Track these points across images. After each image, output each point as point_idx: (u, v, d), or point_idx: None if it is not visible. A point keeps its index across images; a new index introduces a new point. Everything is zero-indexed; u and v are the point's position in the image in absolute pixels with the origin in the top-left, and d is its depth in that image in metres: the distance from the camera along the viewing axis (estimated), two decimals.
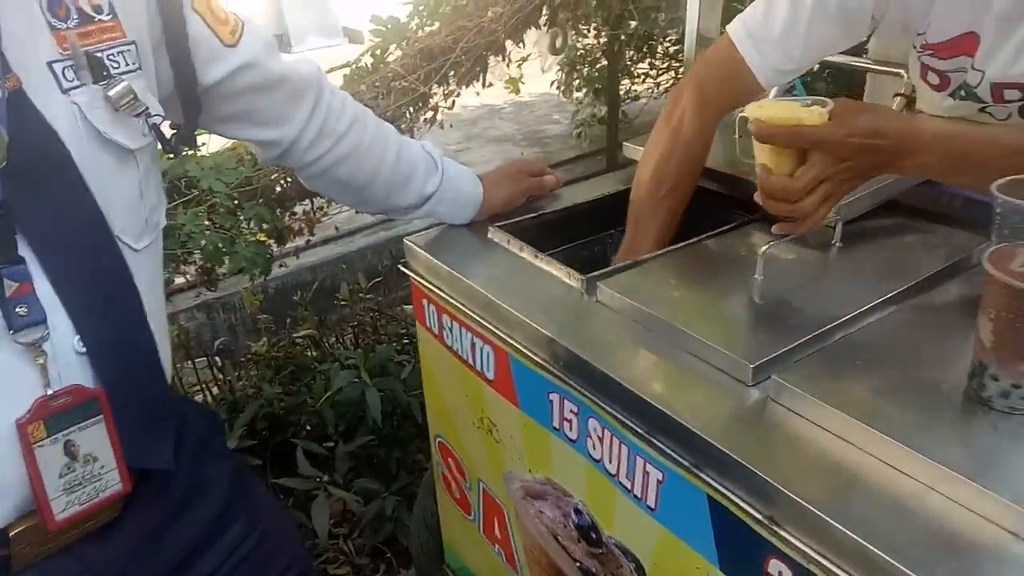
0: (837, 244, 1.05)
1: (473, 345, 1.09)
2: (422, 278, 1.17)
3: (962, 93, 1.19)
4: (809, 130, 0.87)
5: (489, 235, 1.18)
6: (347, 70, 2.30)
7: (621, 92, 3.45)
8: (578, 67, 3.71)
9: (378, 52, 2.29)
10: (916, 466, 0.68)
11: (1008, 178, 0.89)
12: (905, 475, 0.68)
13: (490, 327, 1.03)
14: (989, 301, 0.69)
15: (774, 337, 0.85)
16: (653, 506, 0.86)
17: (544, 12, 2.52)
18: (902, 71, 1.44)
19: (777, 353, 0.82)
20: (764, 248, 0.96)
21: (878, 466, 0.70)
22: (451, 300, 1.10)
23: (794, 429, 0.75)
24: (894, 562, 0.60)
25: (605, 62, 3.54)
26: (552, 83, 4.05)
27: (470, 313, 1.07)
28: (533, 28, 2.87)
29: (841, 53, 1.32)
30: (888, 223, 1.12)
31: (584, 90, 3.76)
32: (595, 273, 1.01)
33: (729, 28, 1.15)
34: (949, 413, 0.74)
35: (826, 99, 0.90)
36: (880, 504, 0.66)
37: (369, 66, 2.27)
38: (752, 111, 0.89)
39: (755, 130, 0.88)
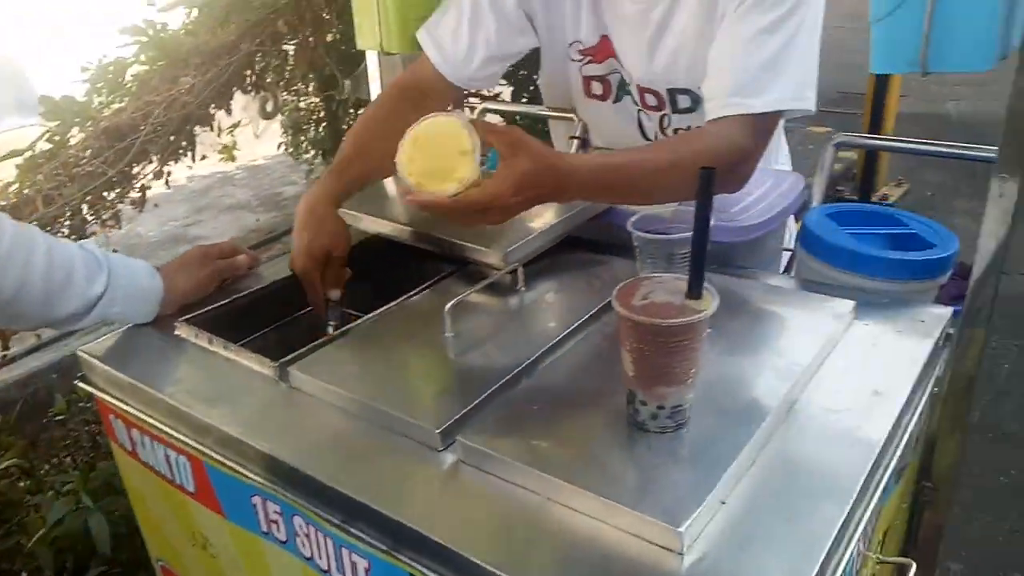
0: (521, 288, 1.10)
1: (168, 458, 1.00)
2: (104, 392, 1.06)
3: (621, 94, 1.34)
4: (470, 201, 0.90)
5: (176, 331, 1.10)
6: (19, 159, 2.06)
7: None
8: (303, 128, 3.65)
9: (56, 136, 2.08)
10: (589, 504, 0.72)
11: (641, 212, 0.99)
12: (583, 515, 0.72)
13: (181, 437, 0.95)
14: (623, 334, 0.75)
15: (462, 396, 0.87)
16: None
17: (249, 76, 2.46)
18: (573, 115, 1.58)
19: (462, 412, 0.83)
20: (449, 305, 0.98)
21: (560, 512, 0.73)
22: (138, 413, 1.01)
23: (483, 489, 0.77)
24: None
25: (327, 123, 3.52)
26: (279, 145, 3.95)
27: (159, 425, 0.98)
28: (241, 93, 2.79)
29: (522, 103, 1.45)
30: (568, 259, 1.20)
31: (311, 151, 3.71)
32: (287, 358, 0.97)
33: (418, 33, 1.34)
34: (617, 442, 0.79)
35: (496, 126, 0.95)
36: (559, 553, 0.69)
37: (47, 152, 2.06)
38: (411, 135, 0.92)
39: (420, 206, 0.92)
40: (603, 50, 1.30)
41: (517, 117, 3.08)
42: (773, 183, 1.27)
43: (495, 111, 2.07)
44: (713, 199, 0.74)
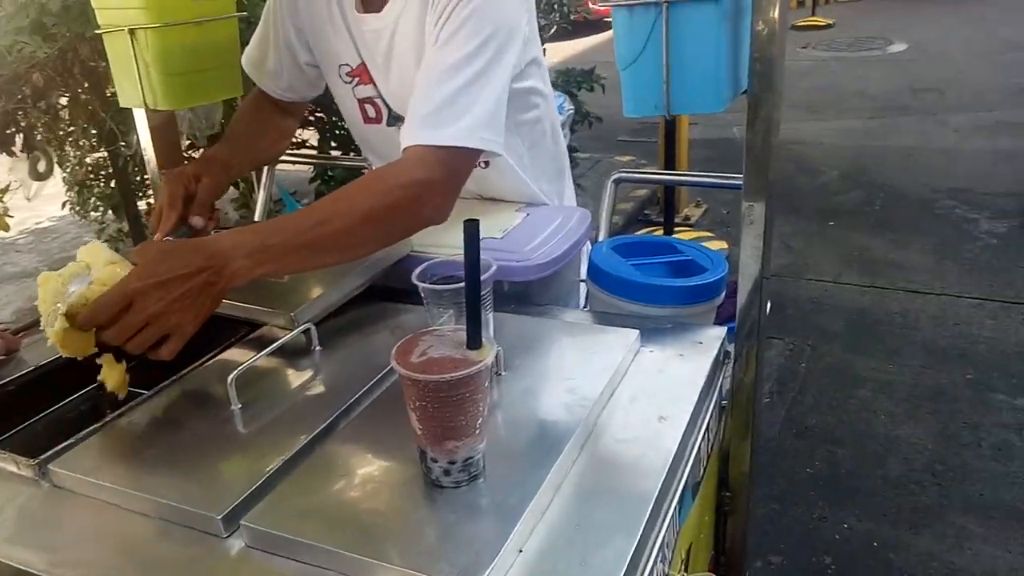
0: (315, 348, 1.06)
1: None
2: None
3: (392, 119, 1.35)
4: (100, 299, 0.89)
5: None
6: None
7: (145, 205, 3.24)
8: (89, 184, 3.38)
9: None
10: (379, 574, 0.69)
11: (427, 262, 0.98)
12: None
13: None
14: (406, 393, 0.74)
15: (247, 475, 0.81)
16: None
17: (12, 136, 2.23)
18: (362, 162, 1.56)
19: (247, 493, 0.78)
20: (233, 375, 0.93)
21: None
22: None
23: (276, 573, 0.72)
24: None
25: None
26: (64, 204, 3.64)
27: None
28: (6, 155, 2.53)
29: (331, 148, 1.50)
30: (369, 311, 1.18)
31: (101, 208, 3.45)
32: (47, 454, 0.87)
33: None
34: (413, 504, 0.77)
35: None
36: None
37: None
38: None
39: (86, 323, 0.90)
40: (365, 71, 1.32)
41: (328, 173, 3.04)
42: (562, 219, 1.32)
43: (288, 161, 2.02)
44: (478, 245, 0.74)
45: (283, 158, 1.84)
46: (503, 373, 0.98)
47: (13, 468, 0.88)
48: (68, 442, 0.89)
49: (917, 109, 6.12)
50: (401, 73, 1.26)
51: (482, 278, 0.90)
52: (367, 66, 1.32)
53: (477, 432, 0.76)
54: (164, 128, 1.50)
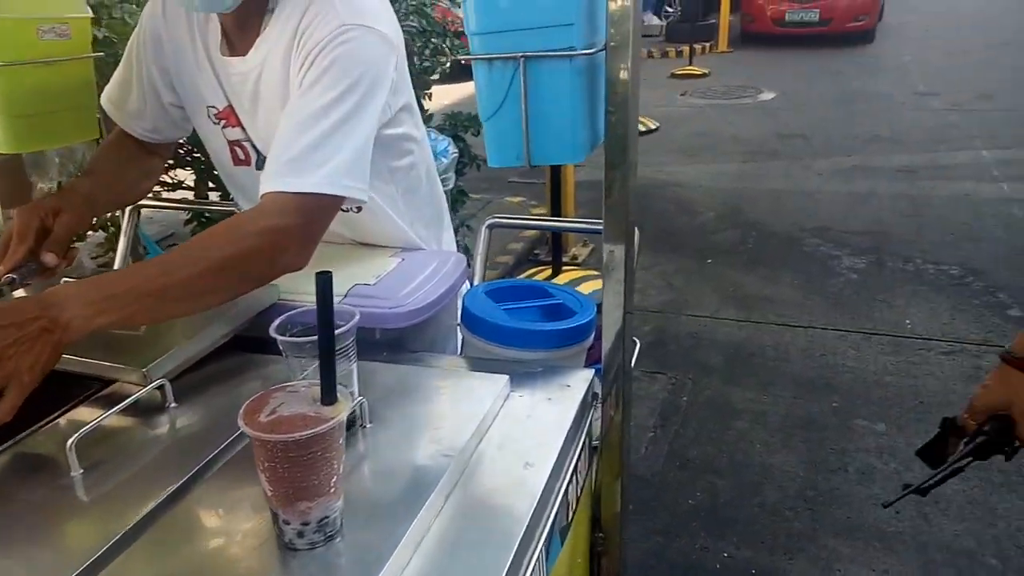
0: (171, 406, 1.01)
1: None
2: None
3: (261, 162, 1.33)
4: None
5: None
6: None
7: None
8: None
9: None
10: None
11: (288, 313, 0.96)
12: None
13: None
14: (255, 453, 0.71)
15: (82, 550, 0.76)
16: None
17: None
18: (232, 206, 1.52)
19: (83, 568, 0.73)
20: (74, 438, 0.87)
21: None
22: None
23: None
24: None
25: None
26: None
27: None
28: None
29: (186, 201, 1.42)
30: (232, 364, 1.14)
31: None
32: None
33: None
34: (265, 571, 0.74)
35: None
36: None
37: None
38: None
39: None
40: (232, 114, 1.30)
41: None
42: (437, 264, 1.32)
43: (153, 205, 1.94)
44: (331, 299, 0.73)
45: (151, 202, 1.77)
46: (368, 425, 0.97)
47: None
48: None
49: (785, 154, 6.55)
50: (268, 117, 1.24)
51: (345, 328, 0.89)
52: (234, 108, 1.29)
53: (332, 491, 0.74)
54: (9, 169, 1.41)
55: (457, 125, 3.54)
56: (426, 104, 3.65)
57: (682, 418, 3.06)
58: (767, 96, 8.72)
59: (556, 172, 4.19)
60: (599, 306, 1.21)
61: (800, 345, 3.56)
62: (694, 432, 2.97)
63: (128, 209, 1.77)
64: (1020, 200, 5.11)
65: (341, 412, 0.72)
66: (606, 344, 1.14)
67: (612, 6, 0.94)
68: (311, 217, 1.08)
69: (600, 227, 1.10)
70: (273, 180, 1.07)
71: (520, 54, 1.02)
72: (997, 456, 1.16)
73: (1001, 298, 3.86)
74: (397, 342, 1.24)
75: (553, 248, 4.46)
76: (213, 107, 1.31)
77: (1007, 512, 2.43)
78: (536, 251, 4.74)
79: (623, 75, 0.96)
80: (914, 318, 3.73)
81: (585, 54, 1.02)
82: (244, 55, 1.23)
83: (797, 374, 3.33)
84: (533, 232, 4.75)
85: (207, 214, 2.86)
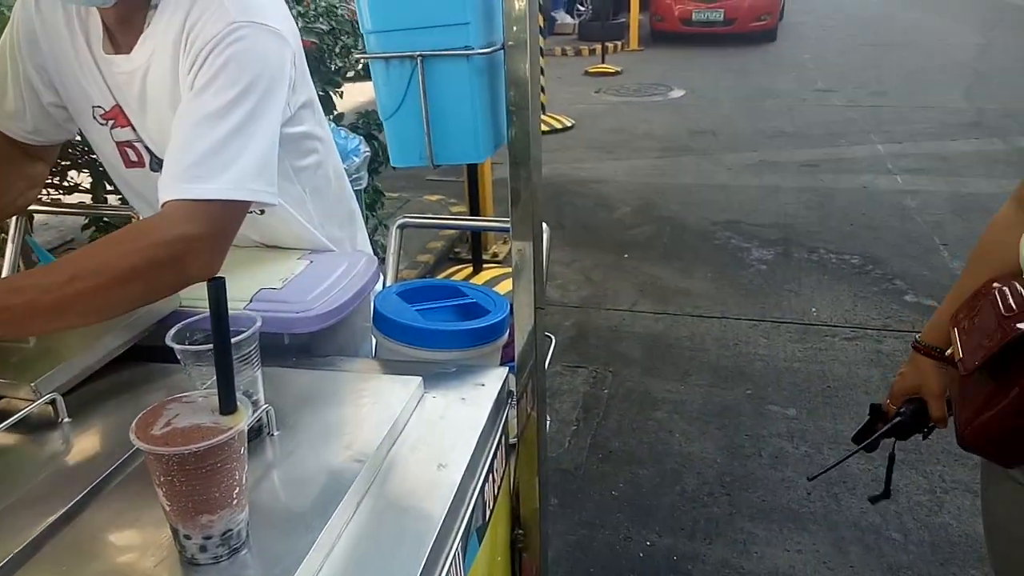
0: (63, 421, 0.96)
1: None
2: None
3: (155, 163, 1.27)
4: None
5: None
6: None
7: None
8: None
9: None
10: None
11: (187, 320, 0.92)
12: None
13: None
14: (150, 468, 0.68)
15: None
16: None
17: None
18: (128, 210, 1.45)
19: None
20: None
21: None
22: None
23: None
24: None
25: None
26: None
27: None
28: None
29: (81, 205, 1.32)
30: (129, 375, 1.09)
31: None
32: None
33: None
34: None
35: None
36: None
37: None
38: None
39: None
40: (121, 113, 1.25)
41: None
42: (347, 266, 1.29)
43: (45, 211, 1.84)
44: (225, 305, 0.71)
45: (44, 207, 1.67)
46: (275, 433, 0.94)
47: None
48: None
49: (695, 149, 6.73)
50: (159, 116, 1.19)
51: (245, 335, 0.86)
52: (122, 108, 1.23)
53: (235, 503, 0.71)
54: None
55: (370, 124, 3.49)
56: (338, 103, 3.59)
57: (604, 410, 3.11)
58: (677, 93, 8.94)
59: (472, 170, 4.19)
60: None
61: (715, 335, 3.66)
62: (616, 424, 3.02)
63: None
64: (912, 192, 5.40)
65: (240, 422, 0.70)
66: (519, 342, 1.14)
67: (508, 6, 0.94)
68: (219, 224, 1.04)
69: (506, 225, 1.11)
70: (175, 187, 1.03)
71: (417, 53, 1.01)
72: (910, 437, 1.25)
73: (898, 285, 4.07)
74: (307, 347, 1.21)
75: (473, 246, 4.45)
76: (99, 107, 1.25)
77: (907, 488, 2.56)
78: (457, 249, 4.73)
79: (522, 74, 0.96)
80: (819, 306, 3.90)
81: (483, 53, 1.01)
82: (128, 53, 1.17)
83: (713, 363, 3.43)
84: (455, 232, 4.74)
85: (106, 219, 2.73)
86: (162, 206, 1.04)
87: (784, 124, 7.34)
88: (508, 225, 1.10)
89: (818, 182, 5.72)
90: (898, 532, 2.40)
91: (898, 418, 1.20)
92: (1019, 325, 0.98)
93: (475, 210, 4.32)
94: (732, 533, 2.43)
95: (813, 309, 3.86)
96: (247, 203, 1.08)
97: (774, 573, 2.28)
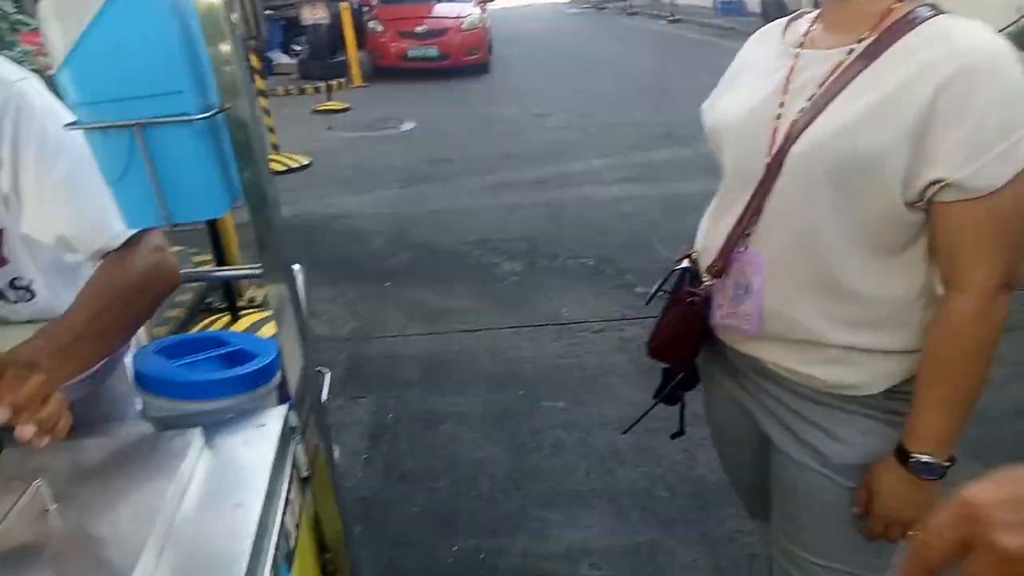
0: None
1: None
2: None
3: None
4: None
5: None
6: None
7: None
8: None
9: None
10: None
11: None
12: None
13: None
14: None
15: None
16: None
17: None
18: None
19: None
20: None
21: None
22: None
23: None
24: None
25: None
26: None
27: None
28: None
29: None
30: None
31: None
32: None
33: None
34: None
35: None
36: None
37: None
38: None
39: None
40: None
41: None
42: None
43: None
44: None
45: None
46: (50, 509, 0.90)
47: None
48: None
49: (436, 177, 7.02)
50: None
51: None
52: None
53: None
54: None
55: None
56: None
57: (392, 435, 3.16)
58: (409, 125, 9.23)
59: (212, 220, 4.02)
60: None
61: (484, 346, 3.88)
62: (407, 445, 3.08)
63: None
64: (628, 198, 6.12)
65: None
66: (292, 379, 1.17)
67: (219, 75, 0.99)
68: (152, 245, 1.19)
69: (257, 270, 1.15)
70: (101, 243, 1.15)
71: (133, 122, 0.96)
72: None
73: (628, 279, 4.60)
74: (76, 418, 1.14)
75: (226, 294, 4.26)
76: None
77: (667, 452, 2.94)
78: (208, 299, 4.49)
79: (243, 135, 1.01)
80: (568, 306, 4.29)
81: (202, 118, 0.98)
82: None
83: (487, 372, 3.63)
84: (201, 284, 4.48)
85: None
86: (102, 258, 1.18)
87: (512, 147, 7.91)
88: (256, 270, 1.14)
89: (550, 196, 6.25)
90: (665, 490, 2.75)
91: (680, 375, 1.45)
92: (681, 263, 1.36)
93: (220, 259, 4.15)
94: (529, 523, 2.61)
95: (563, 310, 4.24)
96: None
97: (571, 550, 2.49)
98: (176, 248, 5.12)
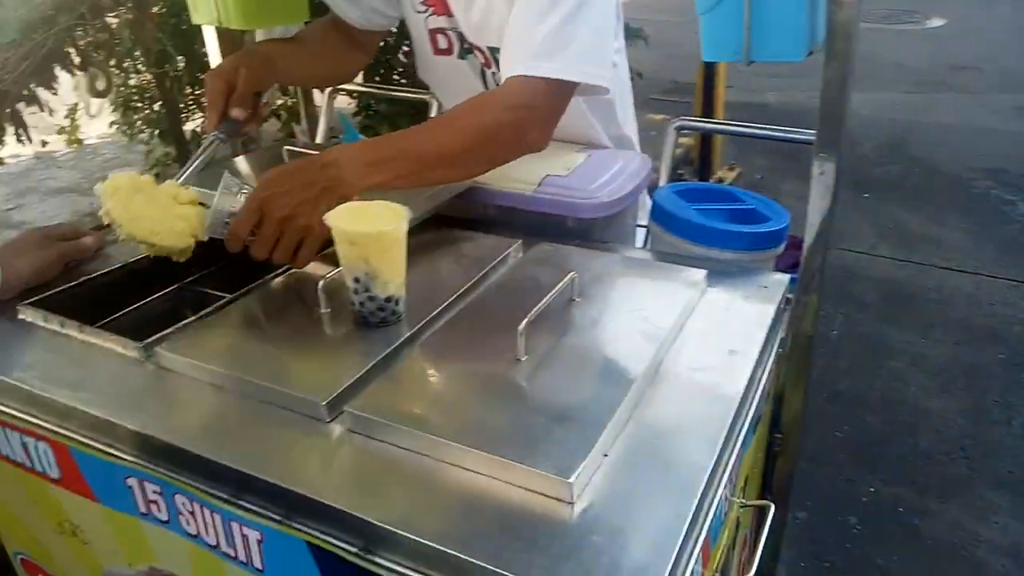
0: None
1: (25, 446, 0.92)
2: None
3: (464, 51, 1.35)
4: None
5: (20, 315, 1.01)
6: None
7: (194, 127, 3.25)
8: (133, 105, 3.38)
9: None
10: (481, 462, 0.73)
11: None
12: (475, 473, 0.73)
13: (40, 422, 0.88)
14: None
15: (346, 369, 0.85)
16: (260, 567, 0.80)
17: (72, 53, 2.23)
18: (428, 95, 1.55)
19: (348, 384, 0.82)
20: (323, 281, 0.96)
21: (452, 472, 0.73)
22: None
23: (375, 455, 0.76)
24: (468, 558, 0.64)
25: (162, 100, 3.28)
26: (111, 124, 3.65)
27: (11, 412, 0.90)
28: (67, 72, 2.54)
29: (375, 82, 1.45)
30: (436, 237, 1.20)
31: (147, 130, 3.45)
32: (153, 338, 0.91)
33: None
34: (499, 405, 0.81)
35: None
36: (453, 508, 0.70)
37: None
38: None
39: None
40: (441, 2, 1.32)
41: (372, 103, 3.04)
42: (623, 164, 1.32)
43: (347, 91, 2.03)
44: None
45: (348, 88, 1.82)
46: (577, 299, 1.01)
47: (120, 348, 0.92)
48: (172, 328, 0.93)
49: (955, 87, 6.00)
50: (487, 8, 1.25)
51: None
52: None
53: None
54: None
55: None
56: None
57: (832, 350, 2.97)
58: (936, 23, 7.93)
59: (708, 87, 4.03)
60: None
61: (966, 291, 3.34)
62: (845, 366, 2.88)
63: (328, 91, 1.86)
64: None
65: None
66: (807, 250, 1.11)
67: None
68: (553, 100, 1.13)
69: (806, 137, 1.07)
70: (516, 66, 1.11)
71: None
72: None
73: None
74: (584, 233, 1.26)
75: (701, 168, 4.33)
76: None
77: None
78: (680, 171, 4.62)
79: None
80: None
81: None
82: None
83: (962, 320, 3.14)
84: (678, 151, 4.62)
85: (374, 107, 2.95)
86: (505, 81, 1.13)
87: None
88: (805, 137, 1.06)
89: None
90: None
91: None
92: None
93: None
94: (969, 498, 2.27)
95: None
96: (574, 84, 1.14)
97: (1017, 546, 2.11)
98: (660, 117, 5.33)
